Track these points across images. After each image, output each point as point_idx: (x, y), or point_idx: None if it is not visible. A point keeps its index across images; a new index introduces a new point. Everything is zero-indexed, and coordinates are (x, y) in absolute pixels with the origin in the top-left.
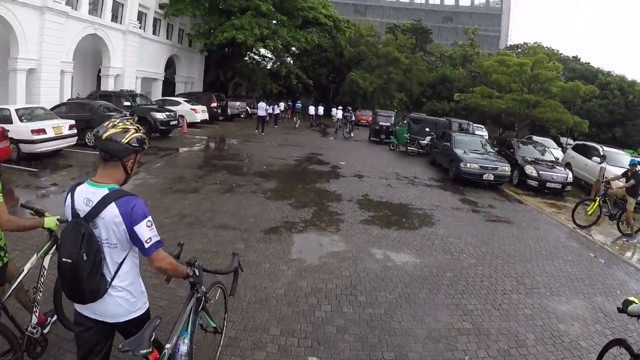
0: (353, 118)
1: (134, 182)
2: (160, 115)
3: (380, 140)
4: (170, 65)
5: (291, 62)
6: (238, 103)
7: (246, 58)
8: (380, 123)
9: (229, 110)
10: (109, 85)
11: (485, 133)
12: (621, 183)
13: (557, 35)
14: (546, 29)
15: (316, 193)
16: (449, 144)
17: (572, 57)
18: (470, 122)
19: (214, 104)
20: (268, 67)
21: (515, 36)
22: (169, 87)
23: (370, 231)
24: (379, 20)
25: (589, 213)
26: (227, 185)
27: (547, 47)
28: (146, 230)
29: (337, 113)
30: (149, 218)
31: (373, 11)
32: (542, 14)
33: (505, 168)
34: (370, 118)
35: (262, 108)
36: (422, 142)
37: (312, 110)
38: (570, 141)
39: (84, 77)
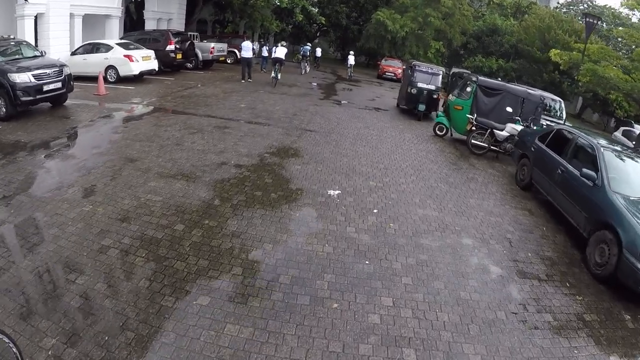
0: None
1: None
2: (23, 77)
3: (417, 113)
4: None
5: None
6: (212, 44)
7: None
8: (420, 85)
9: (199, 55)
10: (25, 30)
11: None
12: None
13: None
14: None
15: None
16: (597, 177)
17: None
18: (556, 98)
19: (171, 47)
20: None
21: None
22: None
23: None
24: None
25: None
26: None
27: None
28: None
29: (350, 58)
30: None
31: None
32: None
33: None
34: (400, 71)
35: (248, 49)
36: (500, 133)
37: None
38: None
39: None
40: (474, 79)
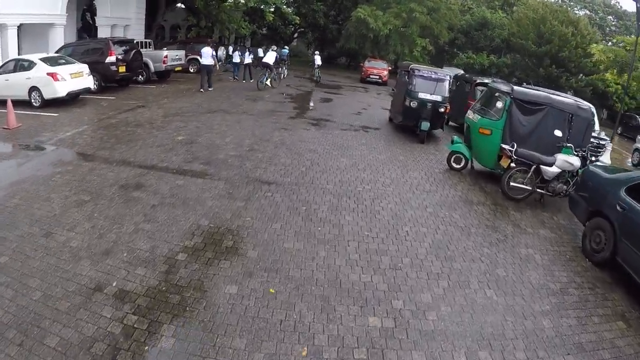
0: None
1: None
2: None
3: (419, 134)
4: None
5: None
6: (166, 52)
7: None
8: (422, 95)
9: (150, 66)
10: None
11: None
12: None
13: None
14: None
15: None
16: None
17: None
18: (586, 105)
19: (111, 58)
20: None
21: None
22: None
23: None
24: None
25: None
26: None
27: None
28: None
29: (316, 59)
30: None
31: None
32: None
33: None
34: (386, 73)
35: (207, 55)
36: (550, 170)
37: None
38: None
39: None
40: (505, 89)
